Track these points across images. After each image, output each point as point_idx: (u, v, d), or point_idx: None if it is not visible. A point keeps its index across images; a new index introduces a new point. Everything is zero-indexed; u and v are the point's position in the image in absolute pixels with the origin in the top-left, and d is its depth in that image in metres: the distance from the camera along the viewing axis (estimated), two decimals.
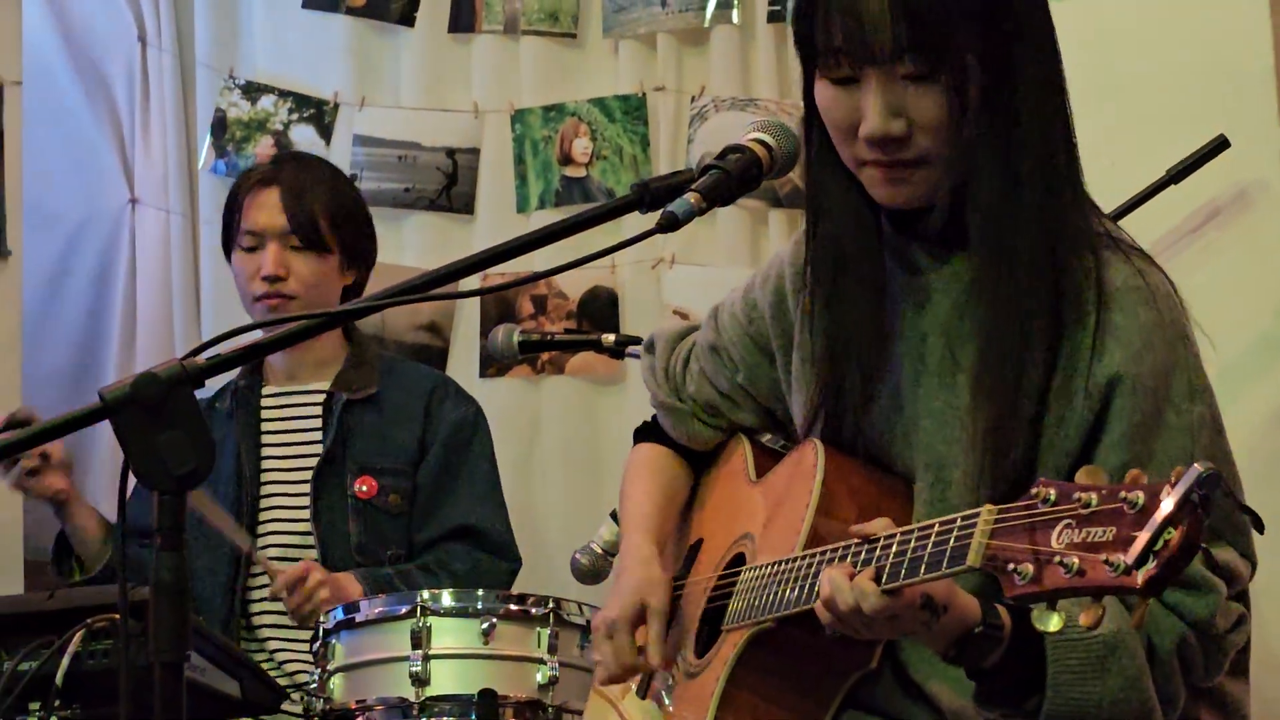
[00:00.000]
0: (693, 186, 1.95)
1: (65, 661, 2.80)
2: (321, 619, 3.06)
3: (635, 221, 2.00)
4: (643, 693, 2.36)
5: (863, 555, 1.93)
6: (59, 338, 4.38)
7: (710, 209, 1.95)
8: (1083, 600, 1.64)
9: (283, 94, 4.53)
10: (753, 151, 2.01)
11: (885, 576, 1.86)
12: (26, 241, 4.08)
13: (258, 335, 1.99)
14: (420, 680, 2.90)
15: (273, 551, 3.55)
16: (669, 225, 1.91)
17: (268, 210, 3.62)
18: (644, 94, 4.38)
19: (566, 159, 4.41)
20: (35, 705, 2.86)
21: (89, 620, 2.82)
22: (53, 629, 2.85)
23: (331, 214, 3.63)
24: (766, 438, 2.43)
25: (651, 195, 1.95)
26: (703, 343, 2.45)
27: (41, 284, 4.38)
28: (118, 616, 2.80)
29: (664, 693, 2.31)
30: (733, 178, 1.98)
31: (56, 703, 2.82)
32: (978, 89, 1.99)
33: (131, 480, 1.77)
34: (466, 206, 4.48)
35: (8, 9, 4.08)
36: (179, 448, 1.72)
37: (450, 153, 4.47)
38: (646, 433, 2.56)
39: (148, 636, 1.73)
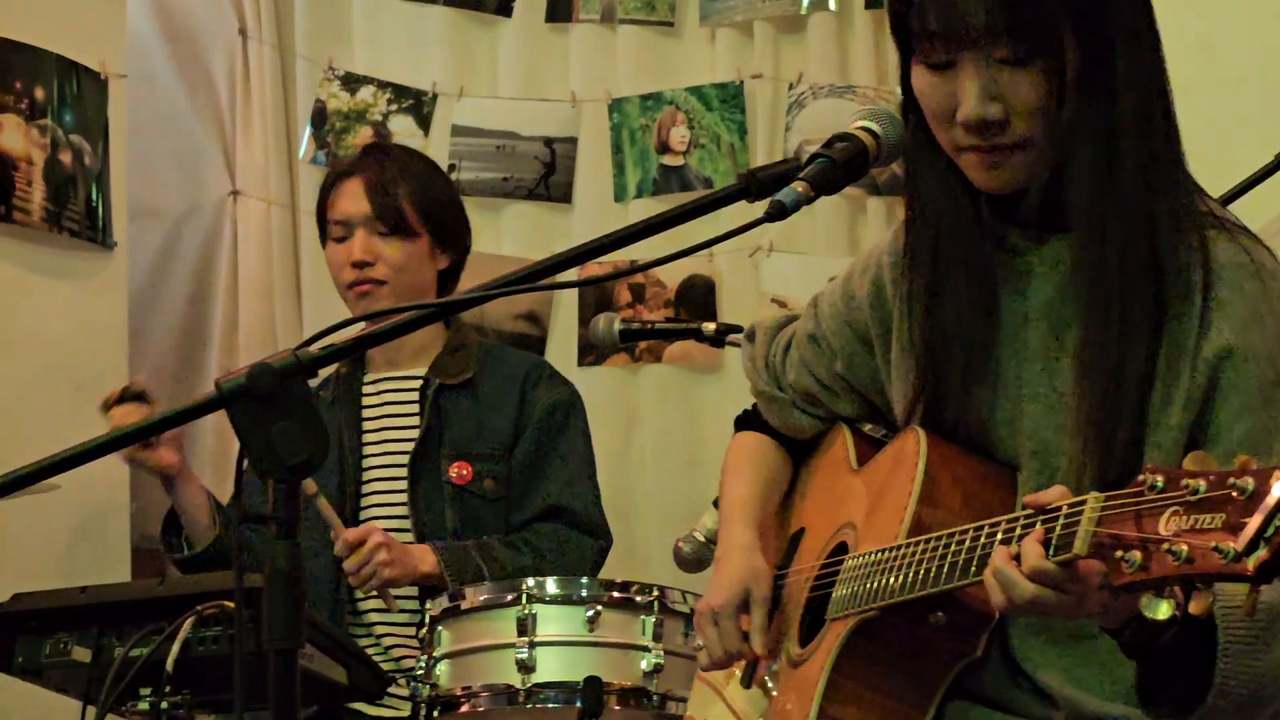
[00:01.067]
0: (800, 175, 1.94)
1: (175, 648, 2.83)
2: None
3: (734, 209, 1.99)
4: (747, 681, 2.37)
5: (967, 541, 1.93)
6: (163, 327, 4.43)
7: (818, 198, 1.94)
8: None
9: (381, 85, 4.57)
10: (860, 140, 2.00)
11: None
12: (130, 233, 4.14)
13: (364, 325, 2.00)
14: (526, 667, 2.92)
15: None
16: (777, 214, 1.90)
17: (352, 199, 3.65)
18: (741, 82, 4.38)
19: (664, 148, 4.42)
20: (146, 691, 2.90)
21: (199, 607, 2.85)
22: (163, 615, 2.88)
23: (415, 198, 3.66)
24: (868, 427, 2.41)
25: (758, 184, 1.94)
26: (802, 332, 2.44)
27: (145, 275, 4.44)
28: (227, 603, 2.83)
29: (768, 680, 2.32)
30: (839, 166, 1.97)
31: (167, 688, 2.85)
32: (1075, 70, 1.97)
33: None
34: (564, 196, 4.49)
35: (112, 3, 4.14)
36: (292, 437, 1.73)
37: (548, 142, 4.49)
38: (747, 421, 2.55)
39: (260, 623, 1.74)
